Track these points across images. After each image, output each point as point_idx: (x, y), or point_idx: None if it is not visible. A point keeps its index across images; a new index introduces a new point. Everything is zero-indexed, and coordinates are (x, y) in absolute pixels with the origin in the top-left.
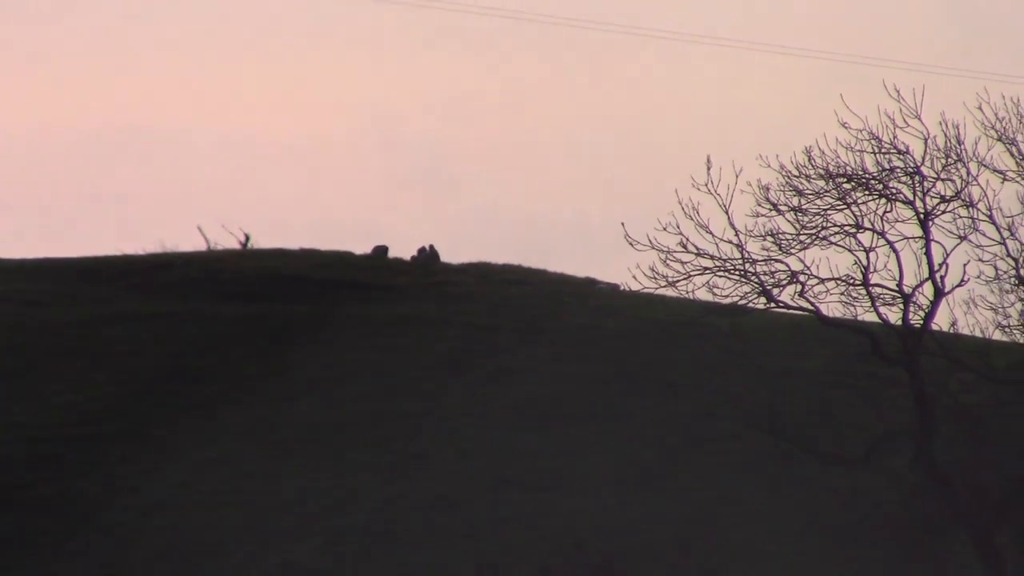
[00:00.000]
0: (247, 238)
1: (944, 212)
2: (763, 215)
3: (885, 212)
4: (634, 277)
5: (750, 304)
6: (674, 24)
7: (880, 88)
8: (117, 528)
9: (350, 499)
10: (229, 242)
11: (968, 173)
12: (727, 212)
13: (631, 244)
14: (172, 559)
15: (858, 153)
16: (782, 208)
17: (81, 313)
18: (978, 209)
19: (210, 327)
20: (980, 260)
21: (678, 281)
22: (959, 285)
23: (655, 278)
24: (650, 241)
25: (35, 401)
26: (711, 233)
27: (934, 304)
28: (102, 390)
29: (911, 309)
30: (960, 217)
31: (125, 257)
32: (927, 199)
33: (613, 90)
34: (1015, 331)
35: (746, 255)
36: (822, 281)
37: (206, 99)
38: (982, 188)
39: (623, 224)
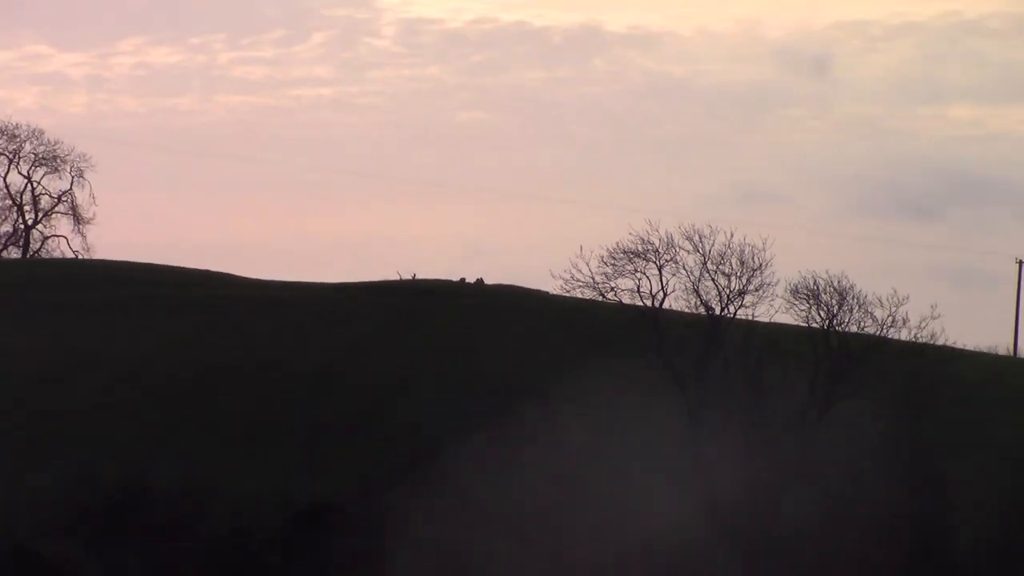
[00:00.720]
0: (414, 275)
1: (669, 263)
2: (601, 267)
3: (645, 265)
4: (553, 290)
5: (597, 300)
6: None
7: (643, 220)
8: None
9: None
10: (407, 275)
11: (675, 251)
12: (588, 265)
13: (553, 277)
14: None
15: (635, 244)
16: (607, 264)
17: (337, 305)
18: (681, 264)
19: (394, 312)
20: (680, 283)
21: (569, 291)
22: (669, 293)
23: (561, 290)
24: (560, 277)
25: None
26: (582, 273)
27: (663, 299)
28: (346, 338)
29: (656, 301)
30: (674, 266)
31: (354, 284)
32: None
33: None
34: (698, 309)
35: (595, 282)
36: (624, 290)
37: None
38: (682, 257)
39: (551, 271)
